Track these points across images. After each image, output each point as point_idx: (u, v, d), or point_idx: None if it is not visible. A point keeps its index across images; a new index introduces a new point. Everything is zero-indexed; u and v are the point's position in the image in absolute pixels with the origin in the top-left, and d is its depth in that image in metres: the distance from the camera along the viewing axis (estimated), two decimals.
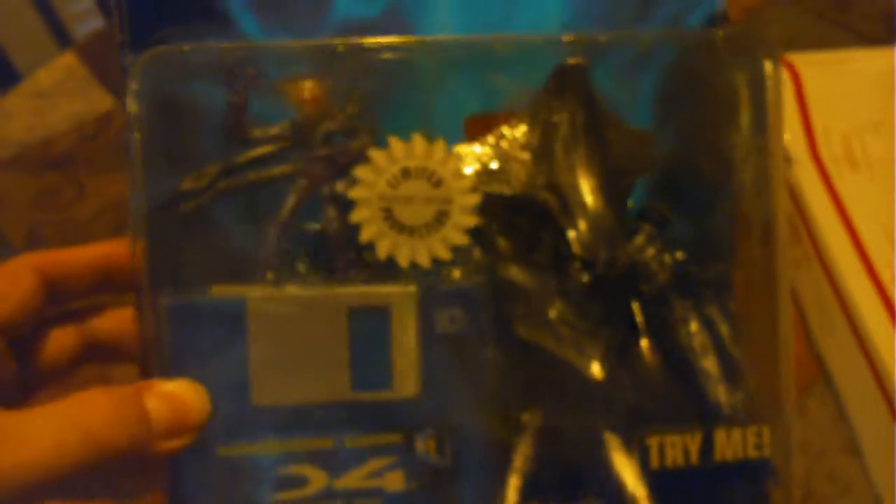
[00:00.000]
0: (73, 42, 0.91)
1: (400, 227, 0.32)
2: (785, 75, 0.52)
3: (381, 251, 0.32)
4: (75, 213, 0.54)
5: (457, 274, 0.33)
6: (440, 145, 0.32)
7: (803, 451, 0.45)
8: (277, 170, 0.33)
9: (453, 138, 0.33)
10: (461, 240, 0.32)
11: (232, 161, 0.34)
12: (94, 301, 0.35)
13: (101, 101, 0.61)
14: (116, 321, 0.35)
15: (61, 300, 0.33)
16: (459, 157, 0.32)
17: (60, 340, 0.34)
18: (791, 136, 0.51)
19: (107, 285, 0.34)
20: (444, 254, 0.32)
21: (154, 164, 0.32)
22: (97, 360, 0.35)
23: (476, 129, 0.35)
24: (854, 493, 0.45)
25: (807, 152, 0.51)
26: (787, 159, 0.54)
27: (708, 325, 0.36)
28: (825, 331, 0.49)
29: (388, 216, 0.32)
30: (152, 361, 0.31)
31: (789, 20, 0.67)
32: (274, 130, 0.33)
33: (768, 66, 0.34)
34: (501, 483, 0.34)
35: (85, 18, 0.94)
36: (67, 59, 0.63)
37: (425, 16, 0.36)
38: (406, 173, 0.32)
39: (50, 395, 0.30)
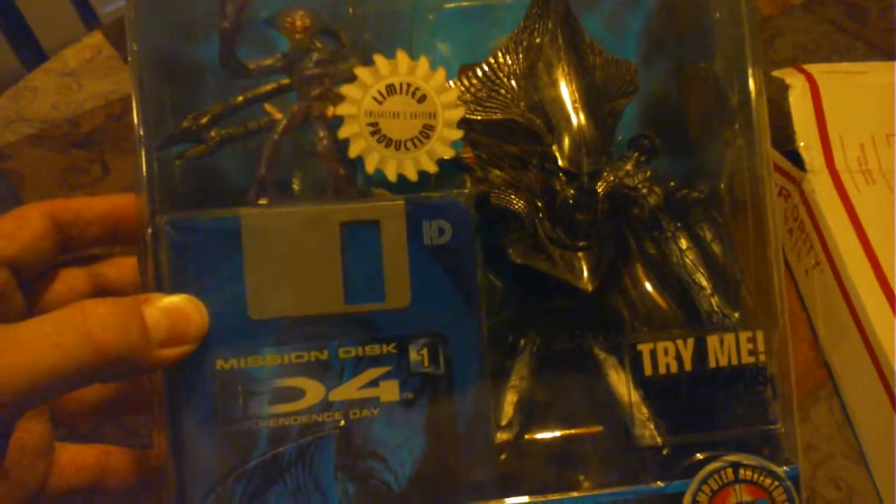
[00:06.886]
0: (99, 21, 0.93)
1: (387, 142, 0.33)
2: (804, 84, 0.53)
3: (370, 165, 0.33)
4: (100, 192, 0.54)
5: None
6: (423, 62, 0.33)
7: (809, 456, 0.45)
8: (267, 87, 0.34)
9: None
10: (446, 153, 0.33)
11: (231, 101, 0.35)
12: (104, 251, 0.36)
13: (128, 81, 0.58)
14: (125, 269, 0.36)
15: (72, 247, 0.35)
16: (442, 73, 0.33)
17: (71, 282, 0.35)
18: (808, 145, 0.51)
19: (116, 236, 0.35)
20: (430, 166, 0.33)
21: (154, 107, 0.33)
22: None
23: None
24: (859, 498, 0.44)
25: (822, 162, 0.51)
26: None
27: (699, 242, 0.36)
28: (834, 338, 0.49)
29: (376, 131, 0.33)
30: (151, 279, 0.32)
31: (805, 30, 0.67)
32: (268, 62, 0.35)
33: None
34: (498, 396, 0.35)
35: None
36: (95, 39, 0.64)
37: None
38: (391, 89, 0.33)
39: None
